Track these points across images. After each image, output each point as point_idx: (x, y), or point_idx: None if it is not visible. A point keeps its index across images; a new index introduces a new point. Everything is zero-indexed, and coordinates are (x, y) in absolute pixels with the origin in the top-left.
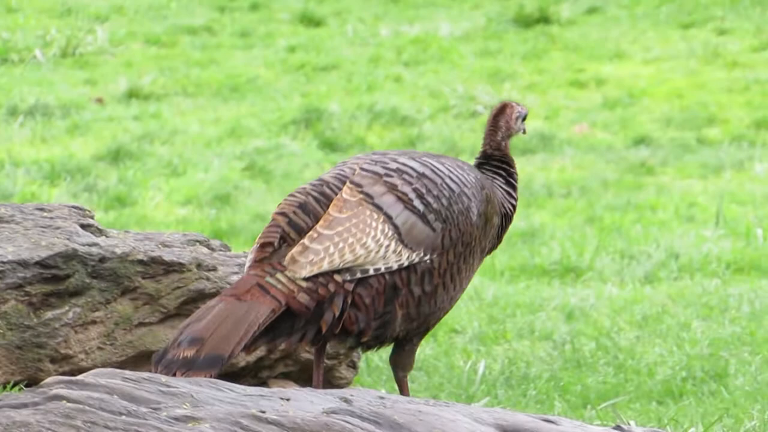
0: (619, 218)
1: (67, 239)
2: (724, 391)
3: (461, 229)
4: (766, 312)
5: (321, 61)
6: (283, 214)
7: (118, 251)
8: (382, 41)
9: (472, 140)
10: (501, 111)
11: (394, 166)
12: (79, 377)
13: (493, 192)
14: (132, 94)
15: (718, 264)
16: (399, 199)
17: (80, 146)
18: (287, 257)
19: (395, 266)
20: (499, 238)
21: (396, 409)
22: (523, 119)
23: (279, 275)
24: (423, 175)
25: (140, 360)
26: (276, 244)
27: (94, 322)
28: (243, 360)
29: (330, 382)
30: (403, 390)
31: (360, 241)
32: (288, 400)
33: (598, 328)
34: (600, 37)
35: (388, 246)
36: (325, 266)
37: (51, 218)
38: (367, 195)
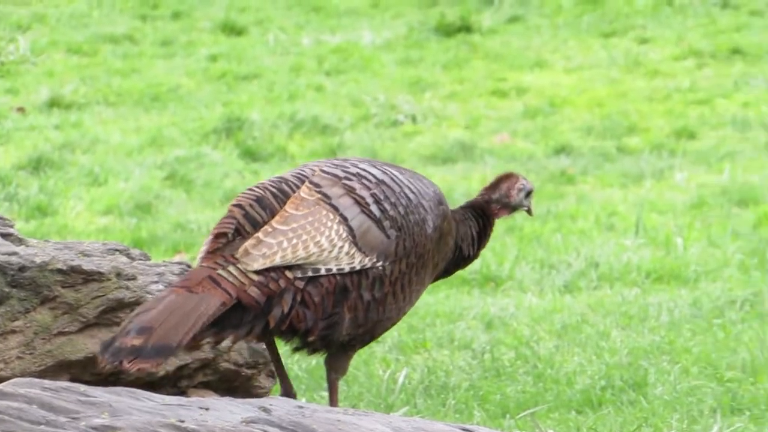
0: (540, 227)
1: None
2: (643, 401)
3: (415, 240)
4: (685, 321)
5: (242, 70)
6: (239, 206)
7: (38, 260)
8: (303, 50)
9: (393, 149)
10: (506, 176)
11: (354, 170)
12: None
13: (457, 219)
14: (53, 104)
15: (638, 273)
16: (356, 202)
17: (1, 155)
18: (240, 249)
19: (347, 268)
20: (446, 270)
21: (315, 419)
22: (527, 194)
23: (231, 268)
24: (382, 181)
25: (59, 369)
26: (230, 235)
27: (13, 332)
28: (162, 369)
29: (249, 391)
30: (333, 393)
31: (314, 239)
32: (207, 409)
33: (518, 338)
34: (521, 46)
35: (341, 247)
36: (278, 260)
37: None
38: (325, 195)
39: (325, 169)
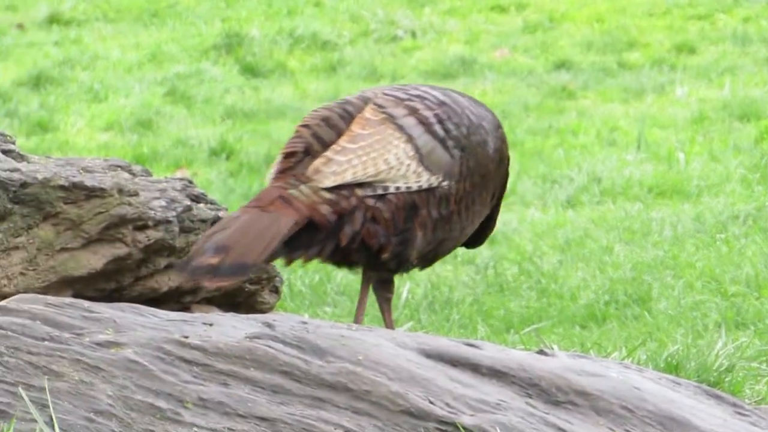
0: (541, 142)
1: None
2: (647, 316)
3: (479, 160)
4: (688, 236)
5: None
6: (306, 126)
7: (40, 177)
8: None
9: (393, 65)
10: None
11: (415, 92)
12: (1, 303)
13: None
14: (53, 20)
15: (640, 188)
16: (420, 122)
17: (1, 72)
18: (310, 168)
19: (414, 186)
20: (498, 196)
21: (319, 334)
22: None
23: (302, 187)
24: (444, 103)
25: (63, 285)
26: (300, 155)
27: (16, 248)
28: (165, 285)
29: (253, 307)
30: (389, 314)
31: (382, 156)
32: (211, 325)
33: (521, 253)
34: None
35: (408, 165)
36: (348, 178)
37: None
38: (390, 115)
39: (387, 91)
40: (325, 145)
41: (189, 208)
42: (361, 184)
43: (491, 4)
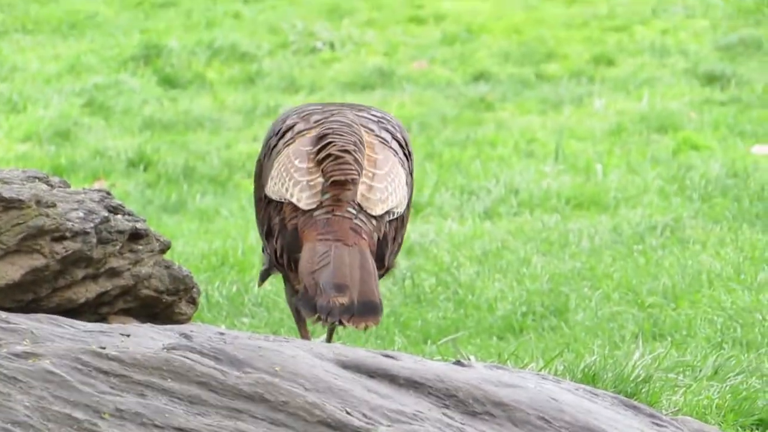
0: (459, 154)
1: None
2: (565, 327)
3: (413, 182)
4: (605, 247)
5: None
6: (347, 152)
7: None
8: None
9: (312, 76)
10: None
11: (376, 113)
12: None
13: None
14: None
15: (558, 199)
16: (400, 146)
17: None
18: (358, 196)
19: (403, 209)
20: None
21: (236, 345)
22: None
23: (362, 216)
24: (400, 127)
25: None
26: (349, 184)
27: None
28: (83, 296)
29: (170, 318)
30: None
31: (401, 183)
32: (128, 336)
33: (438, 264)
34: None
35: (405, 189)
36: (390, 205)
37: None
38: (384, 139)
39: (357, 113)
40: (362, 170)
41: (107, 220)
42: (388, 213)
43: (409, 15)
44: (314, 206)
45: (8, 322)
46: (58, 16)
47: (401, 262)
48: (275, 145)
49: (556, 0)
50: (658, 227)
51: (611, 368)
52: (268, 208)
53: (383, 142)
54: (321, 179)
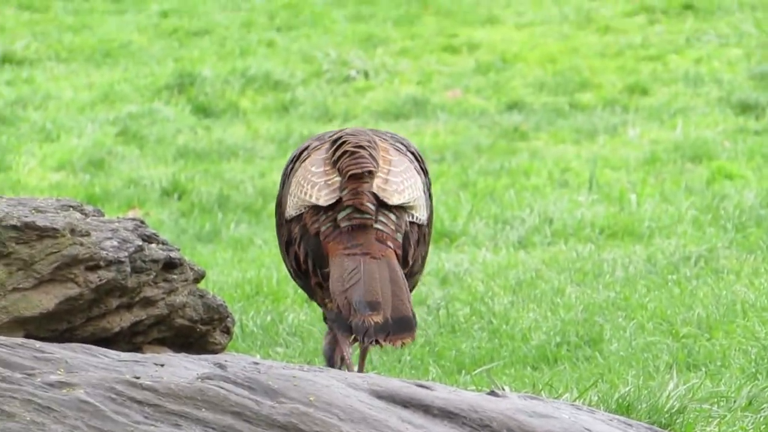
0: (493, 183)
1: None
2: (599, 357)
3: (432, 203)
4: (640, 277)
5: (193, 26)
6: (363, 147)
7: None
8: (254, 6)
9: (345, 105)
10: None
11: (386, 133)
12: None
13: None
14: (5, 59)
15: (592, 229)
16: (415, 158)
17: None
18: (374, 186)
19: (424, 219)
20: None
21: (270, 375)
22: None
23: (381, 218)
24: (416, 149)
25: (14, 326)
26: (366, 176)
27: None
28: (117, 326)
29: (204, 347)
30: None
31: (416, 182)
32: (162, 365)
33: (473, 293)
34: (472, 1)
35: (423, 197)
36: (406, 197)
37: None
38: (398, 147)
39: (369, 130)
40: (377, 164)
41: (141, 248)
42: (405, 211)
43: (443, 44)
44: (333, 201)
45: (42, 352)
46: (92, 45)
47: (435, 291)
48: (291, 169)
49: (591, 29)
50: (693, 257)
51: (645, 399)
52: (287, 227)
53: (398, 149)
54: (338, 178)
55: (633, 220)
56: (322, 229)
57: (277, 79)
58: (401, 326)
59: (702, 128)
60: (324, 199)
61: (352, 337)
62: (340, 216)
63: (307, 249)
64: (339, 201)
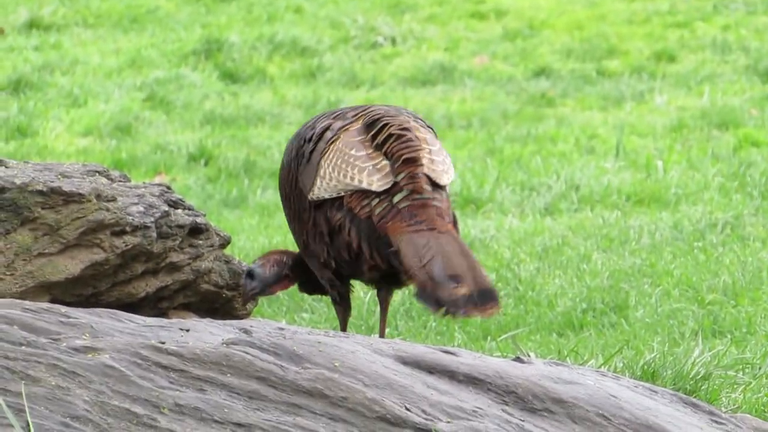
0: (519, 150)
1: None
2: (624, 323)
3: None
4: (666, 244)
5: None
6: (408, 129)
7: (18, 181)
8: None
9: (372, 71)
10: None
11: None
12: None
13: None
14: (33, 25)
15: (618, 196)
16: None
17: None
18: (424, 167)
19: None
20: None
21: (296, 340)
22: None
23: (436, 195)
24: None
25: (40, 290)
26: (417, 158)
27: None
28: (143, 291)
29: (230, 313)
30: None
31: (449, 159)
32: (188, 331)
33: (499, 260)
34: None
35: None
36: (451, 176)
37: None
38: (421, 124)
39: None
40: (424, 148)
41: (167, 214)
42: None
43: (471, 11)
44: (388, 186)
45: (68, 317)
46: (119, 10)
47: None
48: (313, 149)
49: None
50: (719, 224)
51: (671, 365)
52: (317, 211)
53: (423, 126)
54: (386, 161)
55: (659, 186)
56: (377, 211)
57: (305, 45)
58: (486, 297)
59: (729, 96)
60: (377, 184)
61: (443, 310)
62: (397, 198)
63: (360, 234)
64: (393, 185)
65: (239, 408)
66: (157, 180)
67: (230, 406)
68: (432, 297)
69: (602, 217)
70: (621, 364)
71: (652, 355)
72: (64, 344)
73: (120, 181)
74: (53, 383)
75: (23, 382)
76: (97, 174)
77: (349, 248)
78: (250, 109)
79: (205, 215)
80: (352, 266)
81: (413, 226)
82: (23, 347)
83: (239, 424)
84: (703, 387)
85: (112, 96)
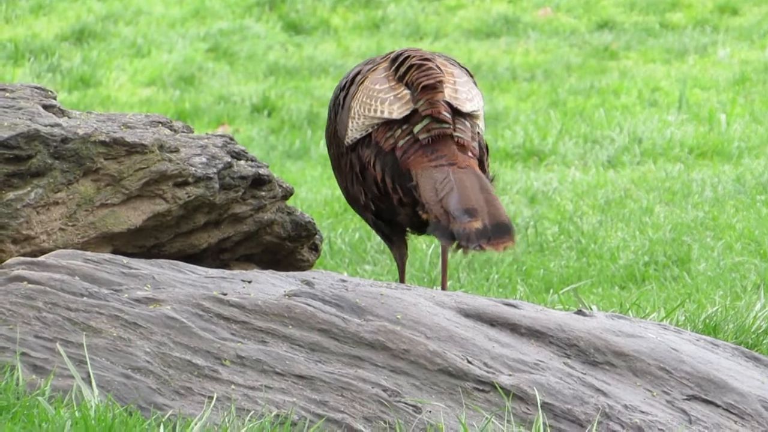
0: (583, 102)
1: (30, 120)
2: (687, 277)
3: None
4: (728, 197)
5: None
6: (429, 59)
7: (81, 132)
8: None
9: (436, 23)
10: None
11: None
12: (41, 258)
13: None
14: None
15: (681, 149)
16: (470, 76)
17: (44, 26)
18: (447, 96)
19: (483, 132)
20: None
21: (358, 293)
22: None
23: (459, 125)
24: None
25: (102, 241)
26: (439, 85)
27: (56, 203)
28: (205, 242)
29: (292, 264)
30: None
31: (477, 93)
32: (250, 282)
33: (561, 212)
34: None
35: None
36: (476, 105)
37: (13, 98)
38: (454, 63)
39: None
40: (445, 77)
41: (229, 165)
42: (473, 119)
43: None
44: (408, 113)
45: (130, 268)
46: None
47: (524, 210)
48: (345, 95)
49: None
50: None
51: (732, 319)
52: (352, 153)
53: (454, 65)
54: (407, 91)
55: (722, 140)
56: (399, 143)
57: None
58: (500, 231)
59: None
60: (398, 112)
61: (455, 243)
62: (418, 128)
63: (384, 167)
64: (413, 113)
65: (301, 360)
66: (220, 131)
67: (292, 358)
68: (446, 230)
69: (665, 170)
70: (683, 318)
71: (714, 309)
72: (126, 295)
73: (183, 132)
74: (114, 334)
75: (84, 333)
76: (160, 125)
77: (376, 183)
78: (313, 61)
79: (267, 166)
80: (385, 204)
81: (434, 161)
82: (85, 298)
83: (301, 376)
84: (765, 341)
85: (176, 46)
